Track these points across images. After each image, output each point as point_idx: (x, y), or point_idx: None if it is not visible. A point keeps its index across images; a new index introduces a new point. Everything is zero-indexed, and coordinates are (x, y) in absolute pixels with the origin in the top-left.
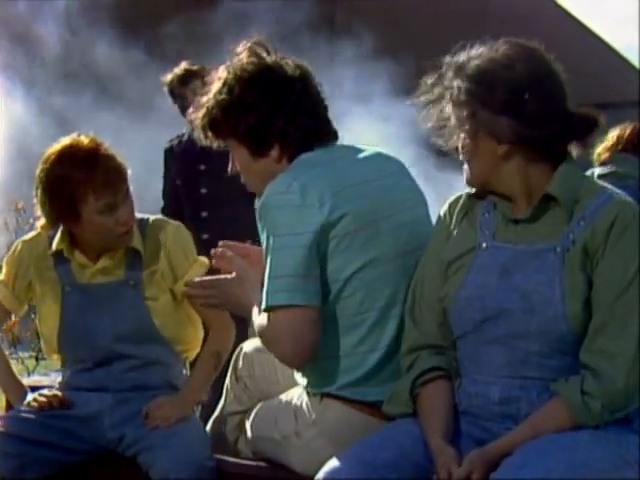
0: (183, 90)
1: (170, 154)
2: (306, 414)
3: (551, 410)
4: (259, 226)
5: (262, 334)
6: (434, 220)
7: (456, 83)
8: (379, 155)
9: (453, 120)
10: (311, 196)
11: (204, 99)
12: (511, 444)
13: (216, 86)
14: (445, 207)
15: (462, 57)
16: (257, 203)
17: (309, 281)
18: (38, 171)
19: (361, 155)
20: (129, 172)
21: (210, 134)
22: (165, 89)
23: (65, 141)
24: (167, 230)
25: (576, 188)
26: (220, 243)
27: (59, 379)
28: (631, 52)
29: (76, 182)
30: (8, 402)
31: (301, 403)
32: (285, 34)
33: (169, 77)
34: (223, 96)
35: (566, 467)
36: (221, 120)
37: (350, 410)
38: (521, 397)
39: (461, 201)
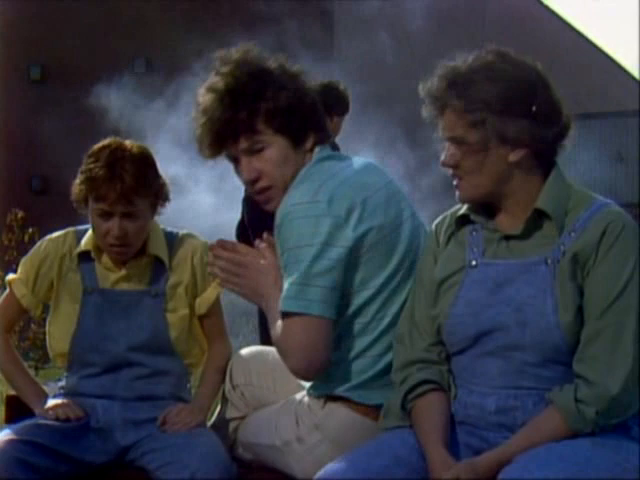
0: None
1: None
2: (308, 418)
3: (545, 419)
4: (278, 234)
5: (277, 343)
6: None
7: (455, 92)
8: (373, 164)
9: (449, 134)
10: (338, 206)
11: (206, 113)
12: (505, 454)
13: (215, 95)
14: (432, 229)
15: (456, 68)
16: (278, 214)
17: (331, 294)
18: None
19: (360, 163)
20: (145, 200)
21: (245, 135)
22: None
23: (115, 139)
24: (195, 246)
25: (565, 200)
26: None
27: (61, 383)
28: (631, 62)
29: (86, 175)
30: (8, 414)
31: (303, 408)
32: None
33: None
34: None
35: (565, 475)
36: (276, 113)
37: (354, 415)
38: (517, 407)
39: (446, 222)
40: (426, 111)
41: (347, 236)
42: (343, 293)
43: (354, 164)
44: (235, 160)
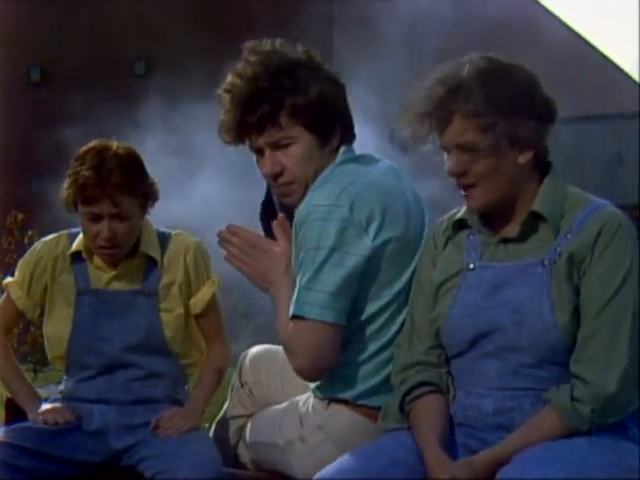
0: None
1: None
2: (312, 419)
3: (542, 417)
4: (298, 233)
5: (283, 340)
6: None
7: (462, 98)
8: (394, 168)
9: (457, 140)
10: (359, 213)
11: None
12: (502, 453)
13: (246, 85)
14: (430, 233)
15: (453, 75)
16: (297, 212)
17: (343, 300)
18: None
19: (383, 167)
20: (134, 200)
21: (273, 125)
22: None
23: (100, 141)
24: (188, 245)
25: (561, 202)
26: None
27: (61, 387)
28: (631, 66)
29: (73, 178)
30: (8, 414)
31: (307, 408)
32: None
33: None
34: (285, 82)
35: (564, 475)
36: (302, 107)
37: (357, 417)
38: (514, 408)
39: (444, 225)
40: (423, 123)
41: (365, 245)
42: (357, 299)
43: (377, 167)
44: (258, 152)
